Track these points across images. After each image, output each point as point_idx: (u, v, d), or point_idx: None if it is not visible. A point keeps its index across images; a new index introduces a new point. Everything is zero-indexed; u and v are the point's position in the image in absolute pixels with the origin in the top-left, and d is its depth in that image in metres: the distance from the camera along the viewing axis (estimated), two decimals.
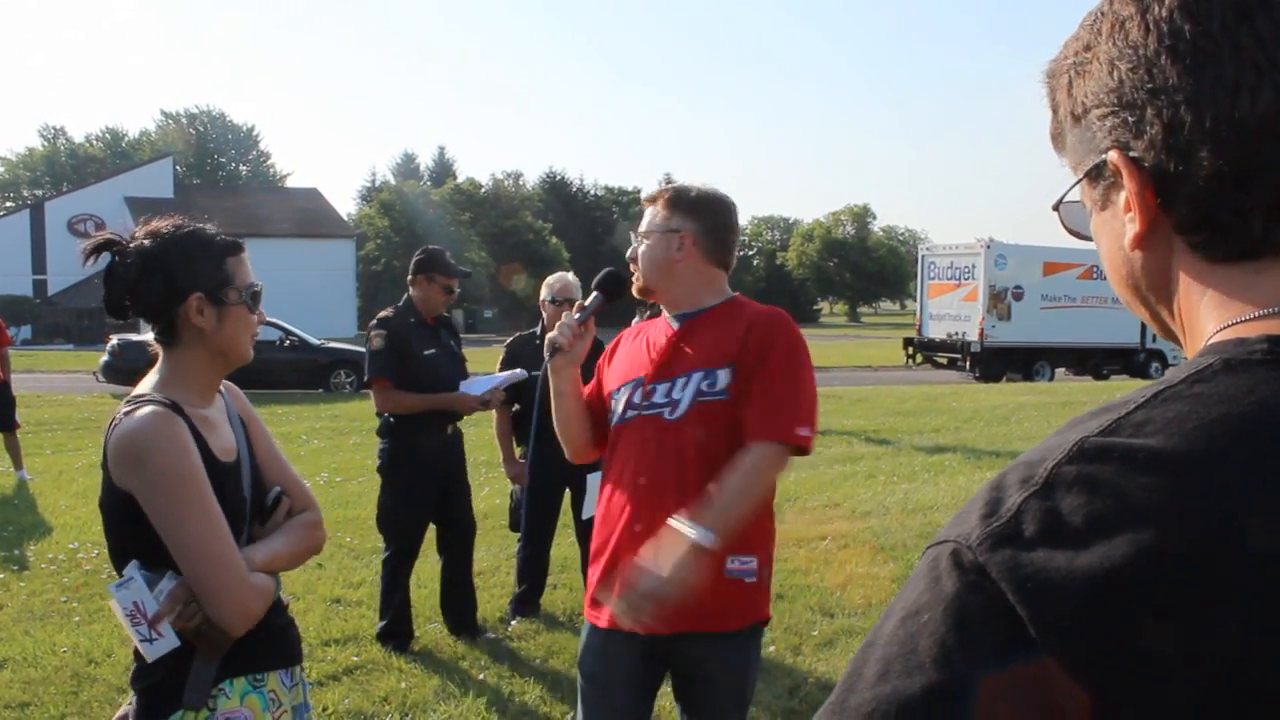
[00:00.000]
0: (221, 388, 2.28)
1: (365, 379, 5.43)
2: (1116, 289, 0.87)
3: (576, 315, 2.81)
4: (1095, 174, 0.82)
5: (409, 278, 5.50)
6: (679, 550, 2.38)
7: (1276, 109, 0.71)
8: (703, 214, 2.79)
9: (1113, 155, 0.79)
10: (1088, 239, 0.89)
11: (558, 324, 2.79)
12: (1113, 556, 0.62)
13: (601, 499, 2.79)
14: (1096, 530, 0.64)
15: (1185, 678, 0.61)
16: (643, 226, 2.84)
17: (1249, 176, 0.73)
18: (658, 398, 2.71)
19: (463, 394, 5.29)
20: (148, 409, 2.01)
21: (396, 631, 5.43)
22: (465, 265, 5.71)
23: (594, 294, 2.94)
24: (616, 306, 3.10)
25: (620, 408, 2.78)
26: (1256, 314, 0.74)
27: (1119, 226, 0.81)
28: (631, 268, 2.86)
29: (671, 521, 2.44)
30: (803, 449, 2.61)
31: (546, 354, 2.80)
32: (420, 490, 5.40)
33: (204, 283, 2.13)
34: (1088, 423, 0.71)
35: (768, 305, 2.86)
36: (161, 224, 2.17)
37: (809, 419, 2.63)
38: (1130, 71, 0.77)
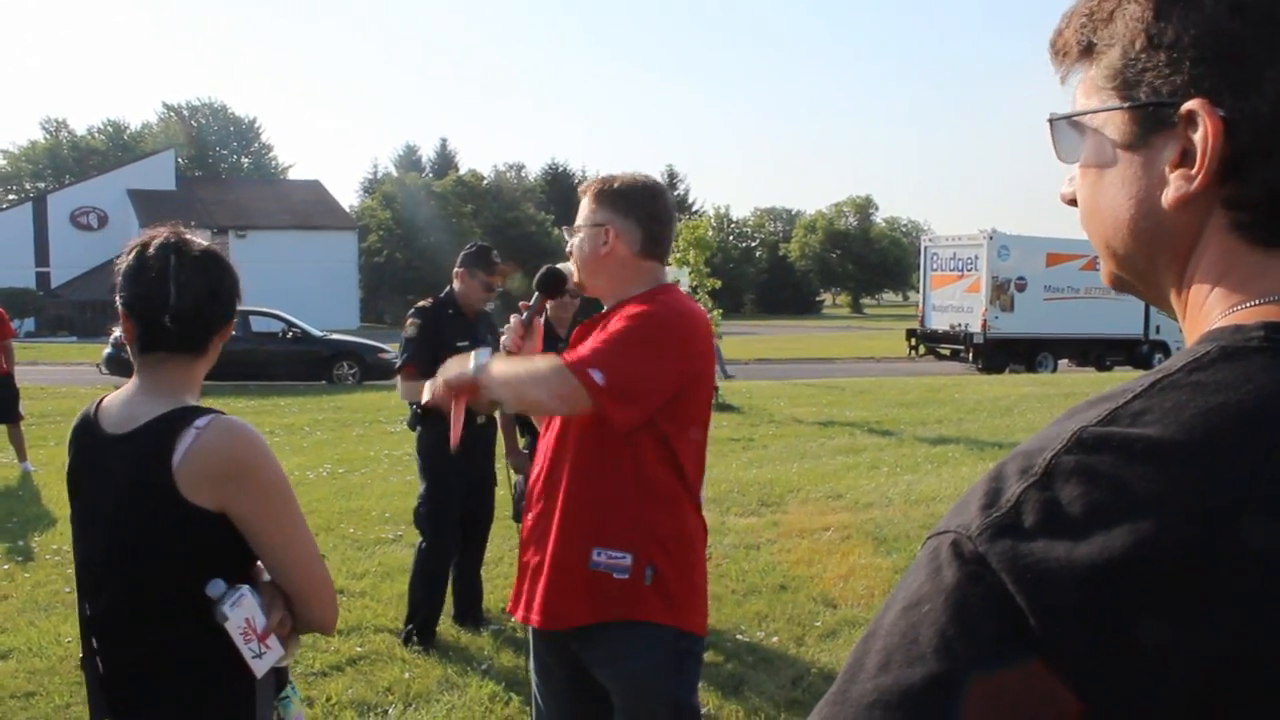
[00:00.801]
0: None
1: (396, 365, 5.55)
2: (1112, 237, 0.82)
3: (522, 316, 2.83)
4: (1151, 113, 0.76)
5: (454, 270, 5.54)
6: (462, 366, 2.57)
7: None
8: (626, 206, 2.69)
9: (1196, 104, 0.72)
10: (1070, 163, 0.84)
11: (506, 328, 2.83)
12: (1112, 547, 0.62)
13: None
14: (1096, 520, 0.64)
15: (1184, 668, 0.60)
16: (576, 221, 2.79)
17: None
18: None
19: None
20: (228, 420, 1.94)
21: (424, 630, 5.39)
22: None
23: (535, 294, 2.92)
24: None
25: None
26: (1256, 301, 0.73)
27: (1149, 177, 0.77)
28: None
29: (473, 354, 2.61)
30: (589, 389, 2.44)
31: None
32: (451, 482, 5.42)
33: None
34: (1086, 412, 0.71)
35: (671, 297, 2.71)
36: (183, 230, 2.10)
37: (609, 370, 2.46)
38: (1262, 22, 0.70)
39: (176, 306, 1.96)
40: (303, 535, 1.96)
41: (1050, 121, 0.84)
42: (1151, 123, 0.75)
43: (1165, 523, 0.62)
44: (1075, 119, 0.82)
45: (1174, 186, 0.74)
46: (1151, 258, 0.80)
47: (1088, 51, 0.80)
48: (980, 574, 0.65)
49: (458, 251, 5.66)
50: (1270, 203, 0.72)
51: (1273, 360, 0.68)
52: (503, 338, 2.82)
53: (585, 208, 2.75)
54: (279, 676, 2.04)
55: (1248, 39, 0.70)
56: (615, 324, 2.59)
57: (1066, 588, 0.62)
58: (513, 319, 2.80)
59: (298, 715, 2.10)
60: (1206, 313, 0.76)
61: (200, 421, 1.90)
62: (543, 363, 2.57)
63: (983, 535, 0.66)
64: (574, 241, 2.75)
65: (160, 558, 1.91)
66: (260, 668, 1.91)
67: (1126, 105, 0.76)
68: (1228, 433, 0.65)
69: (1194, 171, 0.72)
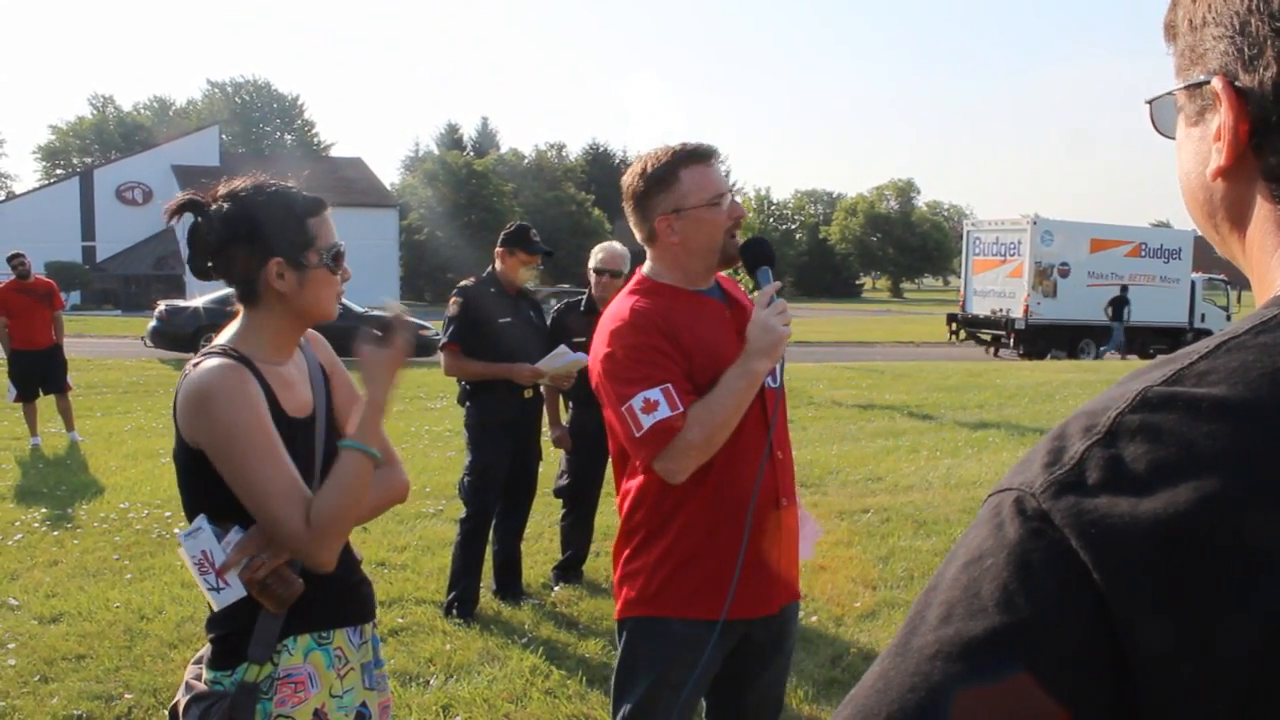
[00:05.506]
0: (303, 339, 2.26)
1: (440, 342, 5.59)
2: (1188, 208, 0.85)
3: (778, 299, 2.53)
4: (1195, 89, 0.79)
5: (496, 249, 5.59)
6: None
7: None
8: None
9: (1216, 82, 0.75)
10: (1172, 139, 0.87)
11: (775, 315, 2.48)
12: (1177, 503, 0.63)
13: (727, 481, 2.49)
14: (1160, 477, 0.64)
15: (1248, 618, 0.61)
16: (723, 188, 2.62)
17: None
18: None
19: (520, 365, 5.34)
20: (215, 361, 2.00)
21: (466, 600, 5.44)
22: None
23: (764, 270, 2.64)
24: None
25: None
26: None
27: (1205, 150, 0.79)
28: (723, 222, 2.63)
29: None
30: None
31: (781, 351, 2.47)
32: (496, 454, 5.49)
33: (284, 247, 2.08)
34: (1150, 373, 0.71)
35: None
36: (241, 184, 2.10)
37: None
38: (1263, 1, 0.72)
39: (190, 264, 2.14)
40: (256, 475, 1.93)
41: (1147, 103, 0.88)
42: (1201, 101, 0.78)
43: (1232, 479, 0.63)
44: (1163, 98, 0.85)
45: (1211, 158, 0.77)
46: (1215, 226, 0.82)
47: (1173, 34, 0.83)
48: (1043, 530, 0.66)
49: (498, 230, 5.70)
50: None
51: None
52: (779, 328, 2.47)
53: (720, 174, 2.67)
54: (292, 624, 2.07)
55: (1254, 17, 0.73)
56: None
57: (1132, 543, 0.63)
58: (774, 306, 2.49)
59: (298, 668, 2.08)
60: (1271, 279, 0.77)
61: (196, 360, 2.04)
62: None
63: (1046, 492, 0.67)
64: (731, 205, 2.62)
65: (180, 484, 2.10)
66: (218, 601, 1.99)
67: (1178, 87, 0.81)
68: None
69: (1221, 144, 0.75)
